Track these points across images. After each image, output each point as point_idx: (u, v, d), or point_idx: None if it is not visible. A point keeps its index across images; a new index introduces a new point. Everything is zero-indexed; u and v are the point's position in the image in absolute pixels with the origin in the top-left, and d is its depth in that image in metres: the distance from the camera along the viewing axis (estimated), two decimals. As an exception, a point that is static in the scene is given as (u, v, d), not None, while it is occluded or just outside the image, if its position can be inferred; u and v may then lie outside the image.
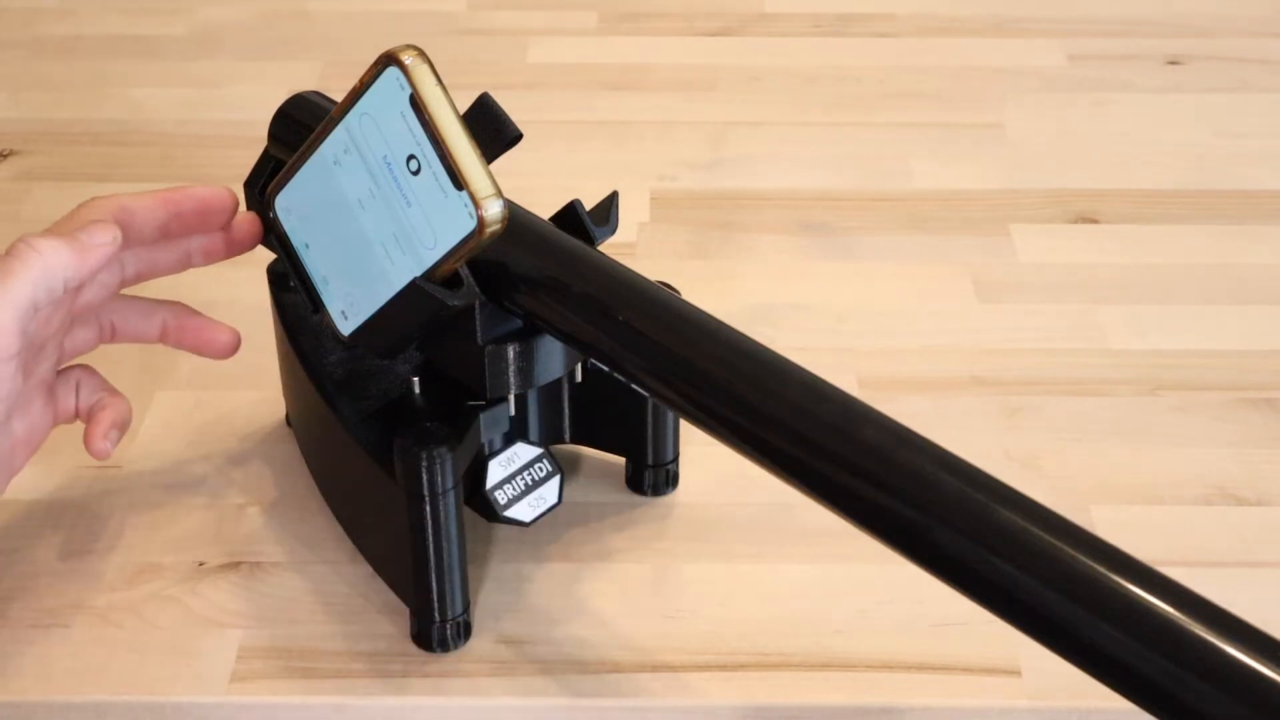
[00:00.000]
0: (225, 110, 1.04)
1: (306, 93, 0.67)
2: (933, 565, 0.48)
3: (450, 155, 0.54)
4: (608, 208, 0.62)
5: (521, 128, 0.56)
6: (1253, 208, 0.94)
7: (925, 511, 0.48)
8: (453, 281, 0.57)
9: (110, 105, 1.04)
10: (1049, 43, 1.12)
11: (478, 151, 0.54)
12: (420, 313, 0.57)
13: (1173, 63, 1.10)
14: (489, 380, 0.60)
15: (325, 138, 0.58)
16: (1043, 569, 0.45)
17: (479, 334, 0.59)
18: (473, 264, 0.58)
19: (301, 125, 0.63)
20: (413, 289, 0.56)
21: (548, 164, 0.96)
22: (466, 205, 0.54)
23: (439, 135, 0.54)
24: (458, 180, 0.54)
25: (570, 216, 0.61)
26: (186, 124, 1.02)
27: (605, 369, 0.57)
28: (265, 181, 0.64)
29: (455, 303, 0.56)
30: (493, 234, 0.54)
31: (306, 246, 0.61)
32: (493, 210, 0.54)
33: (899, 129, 1.02)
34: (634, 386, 0.56)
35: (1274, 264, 0.89)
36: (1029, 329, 0.83)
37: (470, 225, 0.54)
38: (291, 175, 0.60)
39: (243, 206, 0.67)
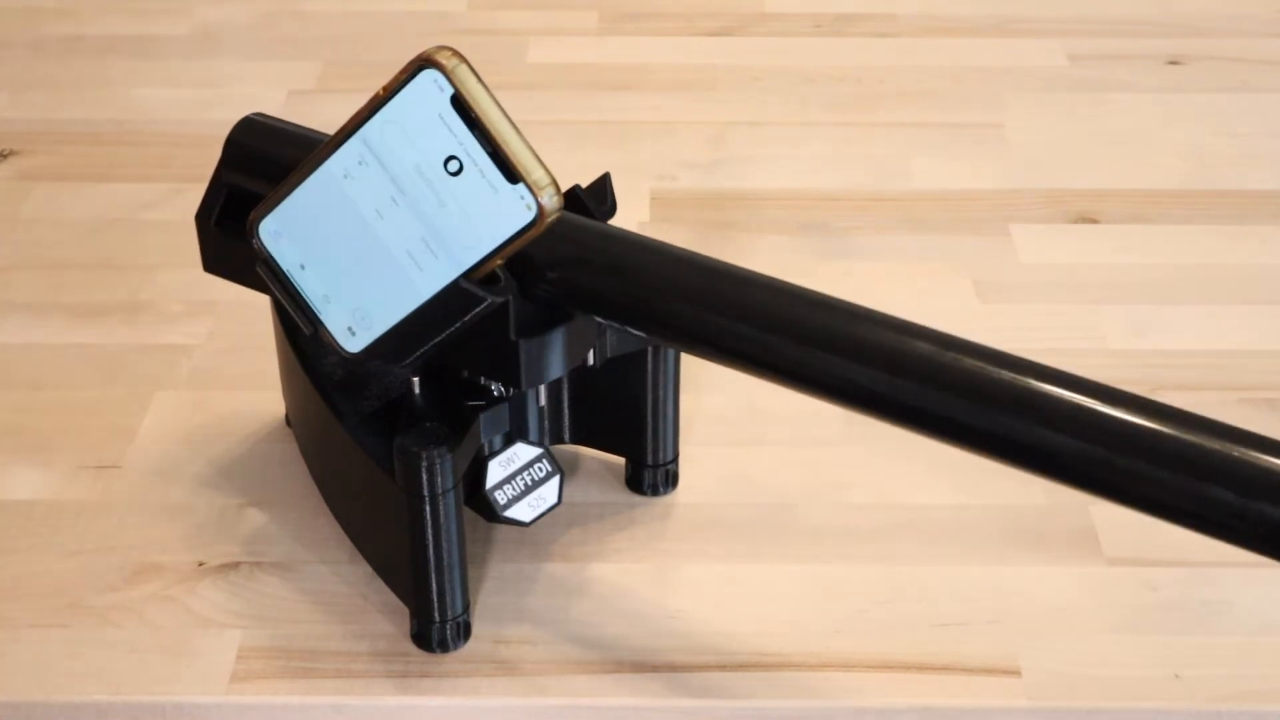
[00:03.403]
0: (225, 110, 1.03)
1: (254, 115, 0.67)
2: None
3: (504, 150, 0.54)
4: (602, 188, 0.62)
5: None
6: (1253, 208, 0.94)
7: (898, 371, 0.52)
8: (489, 279, 0.57)
9: (110, 105, 1.04)
10: (1049, 43, 1.12)
11: (529, 145, 0.55)
12: (459, 313, 0.57)
13: (1173, 63, 1.10)
14: (525, 373, 0.60)
15: (332, 153, 0.58)
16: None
17: (512, 328, 0.59)
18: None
19: (258, 151, 0.64)
20: (453, 290, 0.57)
21: (548, 164, 0.96)
22: (524, 197, 0.54)
23: (490, 131, 0.54)
24: (513, 173, 0.54)
25: (574, 201, 0.61)
26: (186, 124, 1.02)
27: (635, 338, 0.58)
28: (223, 212, 0.65)
29: (499, 299, 0.57)
30: (550, 224, 0.55)
31: (302, 268, 0.60)
32: (551, 200, 0.54)
33: (899, 129, 1.02)
34: (686, 349, 0.58)
35: (1274, 264, 0.89)
36: (1029, 329, 0.83)
37: (529, 216, 0.54)
38: (282, 198, 0.60)
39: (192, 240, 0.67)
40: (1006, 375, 0.51)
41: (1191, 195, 0.95)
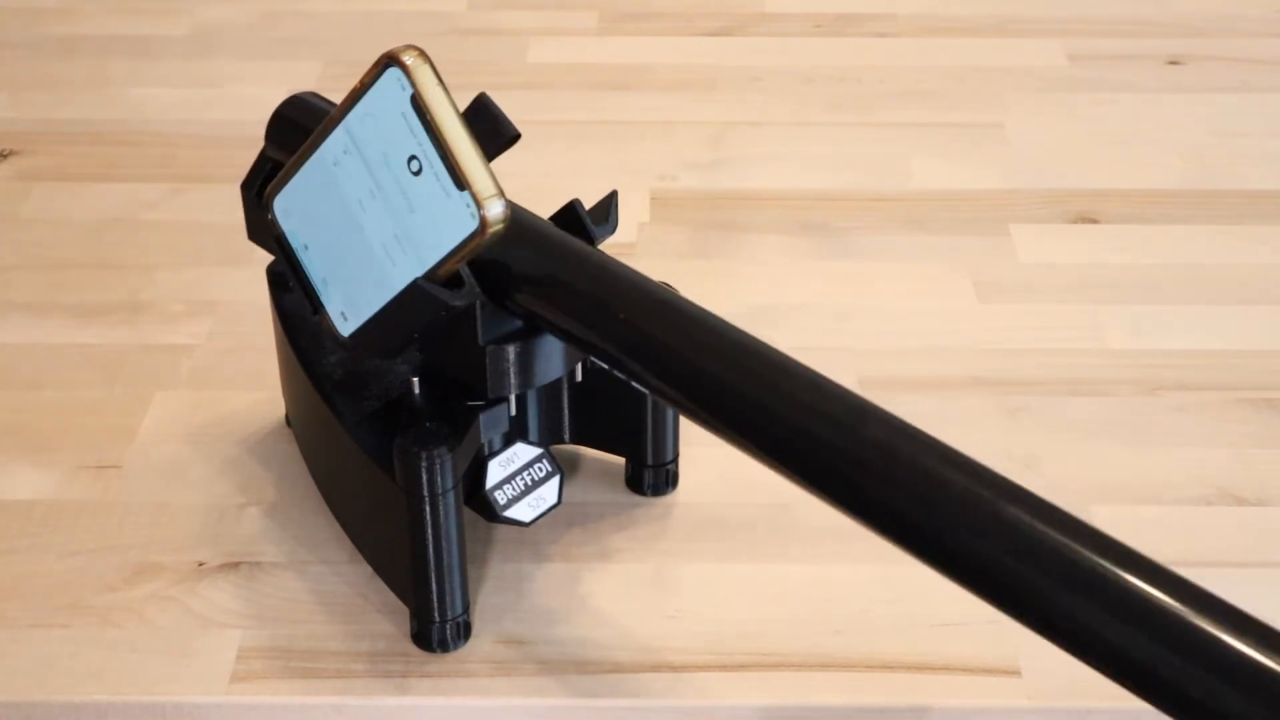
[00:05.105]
0: (225, 110, 1.04)
1: (303, 94, 0.67)
2: (938, 562, 0.48)
3: (452, 155, 0.54)
4: (607, 207, 0.62)
5: (521, 128, 0.56)
6: (1253, 208, 0.94)
7: (931, 508, 0.47)
8: (454, 282, 0.57)
9: (110, 105, 1.04)
10: (1049, 43, 1.12)
11: (480, 152, 0.54)
12: (421, 313, 0.57)
13: (1173, 63, 1.10)
14: (490, 380, 0.60)
15: (325, 139, 0.58)
16: (1049, 565, 0.45)
17: (480, 334, 0.59)
18: (473, 264, 0.58)
19: (298, 127, 0.63)
20: (414, 289, 0.56)
21: (548, 164, 0.96)
22: (469, 205, 0.54)
23: (441, 135, 0.54)
24: (460, 180, 0.54)
25: (570, 216, 0.61)
26: (186, 124, 1.02)
27: (606, 368, 0.57)
28: (263, 183, 0.64)
29: (456, 303, 0.57)
30: (494, 234, 0.54)
31: (305, 248, 0.61)
32: (495, 210, 0.54)
33: (899, 129, 1.02)
34: (635, 385, 0.56)
35: (1274, 264, 0.89)
36: (1029, 329, 0.83)
37: (472, 225, 0.54)
38: (290, 176, 0.60)
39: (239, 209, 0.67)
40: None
41: (1191, 195, 0.95)
